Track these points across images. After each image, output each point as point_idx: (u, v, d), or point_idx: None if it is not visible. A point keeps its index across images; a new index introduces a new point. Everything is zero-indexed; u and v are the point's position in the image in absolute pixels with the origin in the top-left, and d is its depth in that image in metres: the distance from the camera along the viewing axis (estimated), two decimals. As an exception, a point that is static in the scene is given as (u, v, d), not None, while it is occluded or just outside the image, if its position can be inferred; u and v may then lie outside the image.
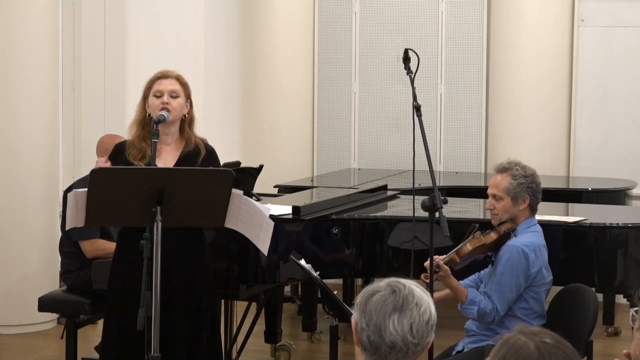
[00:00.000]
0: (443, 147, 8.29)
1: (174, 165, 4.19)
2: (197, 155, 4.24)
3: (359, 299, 2.29)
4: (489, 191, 4.47)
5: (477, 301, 4.30)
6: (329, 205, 5.31)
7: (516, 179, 4.38)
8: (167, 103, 4.17)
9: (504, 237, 4.39)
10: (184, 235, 4.17)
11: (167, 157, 4.23)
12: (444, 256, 4.32)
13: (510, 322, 4.29)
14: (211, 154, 4.31)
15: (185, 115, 4.28)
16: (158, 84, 4.23)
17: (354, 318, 2.29)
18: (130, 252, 4.12)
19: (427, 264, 4.23)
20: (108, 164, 5.48)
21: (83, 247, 5.42)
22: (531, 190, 4.40)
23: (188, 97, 4.30)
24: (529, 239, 4.38)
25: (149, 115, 4.23)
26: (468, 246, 4.37)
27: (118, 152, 4.30)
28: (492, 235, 4.40)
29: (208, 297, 4.32)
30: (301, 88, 8.40)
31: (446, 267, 4.27)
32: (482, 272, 4.64)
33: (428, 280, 4.19)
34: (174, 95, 4.20)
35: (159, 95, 4.19)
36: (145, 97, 4.26)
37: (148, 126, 4.20)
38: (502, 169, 4.45)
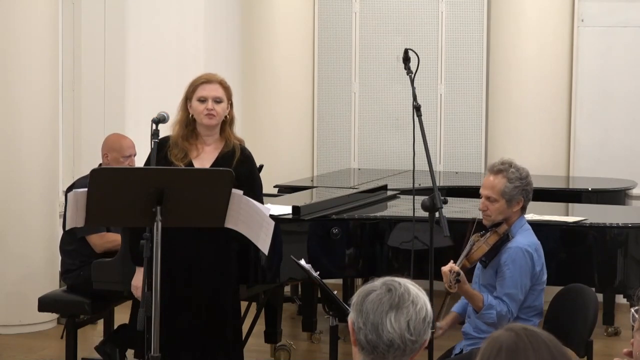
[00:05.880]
0: (443, 147, 8.29)
1: (211, 165, 4.26)
2: (232, 157, 4.33)
3: (354, 298, 2.30)
4: (483, 192, 4.39)
5: (494, 305, 4.26)
6: (329, 205, 5.31)
7: (512, 182, 4.32)
8: (212, 109, 4.25)
9: (502, 239, 4.36)
10: (209, 238, 4.25)
11: (205, 157, 4.34)
12: (457, 263, 4.25)
13: (513, 322, 4.29)
14: (247, 158, 4.39)
15: (226, 117, 4.38)
16: (202, 89, 4.30)
17: (351, 318, 2.29)
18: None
19: (444, 269, 4.17)
20: (110, 162, 5.49)
21: (92, 241, 5.40)
22: (525, 192, 4.37)
23: (229, 99, 4.40)
24: (529, 239, 4.37)
25: (192, 116, 4.33)
26: (478, 252, 4.33)
27: (159, 146, 4.24)
28: (494, 238, 4.35)
29: (232, 296, 4.46)
30: (301, 88, 8.40)
31: (463, 274, 4.20)
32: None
33: (452, 290, 4.16)
34: (217, 101, 4.29)
35: (203, 100, 4.27)
36: (188, 99, 4.35)
37: (190, 125, 4.34)
38: (497, 171, 4.37)
